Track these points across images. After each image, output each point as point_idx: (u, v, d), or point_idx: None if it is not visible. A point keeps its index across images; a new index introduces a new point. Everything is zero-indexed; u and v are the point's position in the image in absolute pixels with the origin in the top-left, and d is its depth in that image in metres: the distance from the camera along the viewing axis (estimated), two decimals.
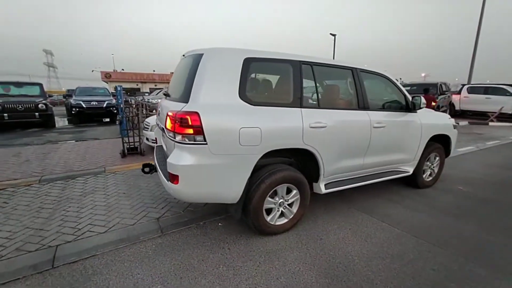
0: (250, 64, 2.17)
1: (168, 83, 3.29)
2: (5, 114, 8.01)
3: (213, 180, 2.04)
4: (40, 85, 9.77)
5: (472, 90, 11.84)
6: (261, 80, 2.55)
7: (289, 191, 2.45)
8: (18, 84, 9.39)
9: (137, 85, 37.73)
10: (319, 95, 2.54)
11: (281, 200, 2.42)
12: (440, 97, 9.75)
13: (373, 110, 2.86)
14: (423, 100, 3.02)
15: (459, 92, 12.29)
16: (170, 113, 2.05)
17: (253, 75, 2.23)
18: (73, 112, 9.92)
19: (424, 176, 3.60)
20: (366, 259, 2.13)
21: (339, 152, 2.61)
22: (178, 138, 1.96)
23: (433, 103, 8.55)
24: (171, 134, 2.03)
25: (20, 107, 8.22)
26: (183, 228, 2.58)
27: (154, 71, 41.21)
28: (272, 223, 2.41)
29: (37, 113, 8.48)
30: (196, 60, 2.15)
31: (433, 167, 3.67)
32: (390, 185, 3.74)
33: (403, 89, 3.16)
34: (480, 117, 11.71)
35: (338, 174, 2.75)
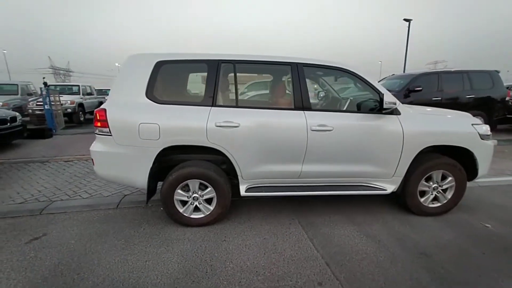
0: (162, 67, 2.39)
1: None
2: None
3: (119, 165, 2.42)
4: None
5: None
6: (174, 80, 2.70)
7: (206, 187, 2.52)
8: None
9: None
10: (240, 93, 2.45)
11: (194, 195, 2.52)
12: None
13: (317, 111, 2.47)
14: (389, 98, 2.31)
15: None
16: None
17: (165, 76, 2.43)
18: None
19: (422, 199, 2.72)
20: (240, 270, 1.98)
21: (261, 155, 2.44)
22: (96, 130, 2.44)
23: (507, 98, 6.08)
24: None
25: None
26: (135, 206, 3.09)
27: None
28: (186, 215, 2.55)
29: None
30: None
31: (441, 189, 2.71)
32: (375, 203, 3.03)
33: (378, 86, 2.52)
34: None
35: (266, 178, 2.55)
